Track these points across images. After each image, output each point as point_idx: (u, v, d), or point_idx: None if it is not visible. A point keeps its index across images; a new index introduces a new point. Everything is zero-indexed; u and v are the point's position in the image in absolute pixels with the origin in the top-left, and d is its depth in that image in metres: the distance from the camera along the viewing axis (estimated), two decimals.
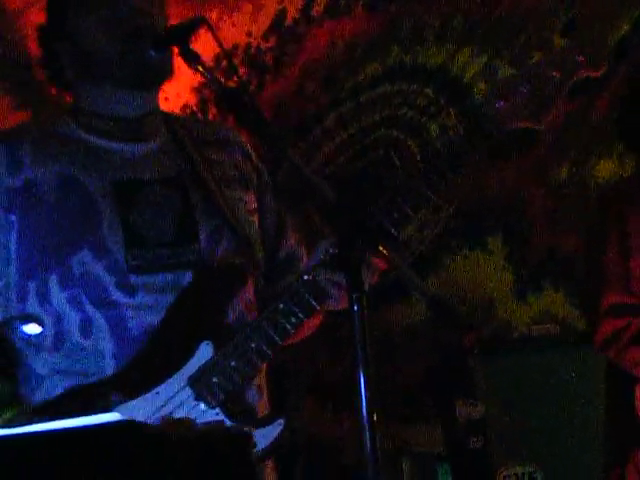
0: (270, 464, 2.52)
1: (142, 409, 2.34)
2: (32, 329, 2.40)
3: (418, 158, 4.73)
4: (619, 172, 4.52)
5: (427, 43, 4.73)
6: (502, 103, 2.37)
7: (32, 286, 2.43)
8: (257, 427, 2.40)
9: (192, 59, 2.18)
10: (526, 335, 4.12)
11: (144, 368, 2.40)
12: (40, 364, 2.45)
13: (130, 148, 2.50)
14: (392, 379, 4.48)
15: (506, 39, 4.66)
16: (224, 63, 3.77)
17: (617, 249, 3.18)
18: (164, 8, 2.49)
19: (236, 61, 4.67)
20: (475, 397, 3.94)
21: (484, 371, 3.98)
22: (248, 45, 4.77)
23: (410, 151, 4.75)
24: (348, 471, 4.23)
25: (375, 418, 1.86)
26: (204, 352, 2.39)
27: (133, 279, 2.42)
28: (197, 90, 4.72)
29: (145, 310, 2.41)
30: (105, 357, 2.41)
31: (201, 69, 2.16)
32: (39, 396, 2.44)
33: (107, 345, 2.42)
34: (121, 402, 2.35)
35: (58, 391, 2.42)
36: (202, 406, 2.37)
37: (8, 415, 2.42)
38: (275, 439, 2.39)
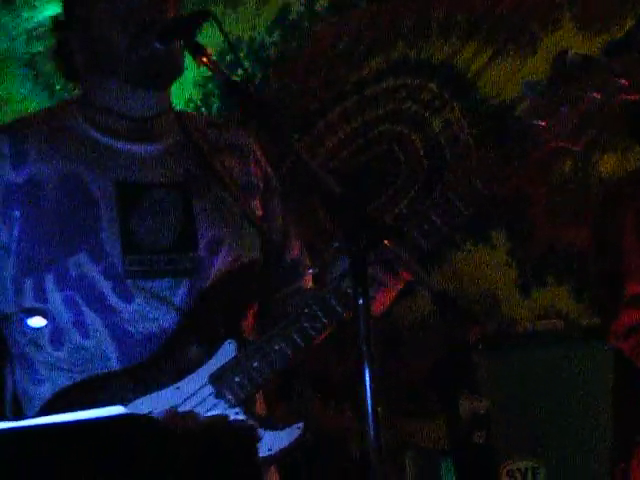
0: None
1: (161, 403, 2.34)
2: (37, 322, 2.40)
3: (422, 153, 4.73)
4: (623, 167, 4.51)
5: (431, 38, 4.73)
6: (542, 122, 2.36)
7: (29, 282, 2.42)
8: (275, 429, 2.39)
9: (197, 52, 2.17)
10: (530, 330, 4.11)
11: (165, 362, 2.39)
12: (43, 359, 2.45)
13: (137, 148, 2.48)
14: (396, 374, 4.48)
15: (510, 34, 4.65)
16: (229, 57, 3.77)
17: (635, 238, 3.16)
18: (177, 4, 2.46)
19: (240, 55, 4.66)
20: (479, 392, 3.94)
21: (488, 366, 3.97)
22: (252, 39, 4.77)
23: (414, 145, 4.75)
24: (352, 465, 4.22)
25: (379, 413, 1.85)
26: (227, 350, 2.39)
27: (130, 284, 2.40)
28: (201, 84, 4.72)
29: (143, 317, 2.41)
30: (111, 359, 2.41)
31: (206, 62, 2.15)
32: (44, 390, 2.44)
33: (110, 347, 2.41)
34: (140, 395, 2.35)
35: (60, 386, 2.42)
36: (222, 404, 2.37)
37: None
38: (291, 443, 2.39)
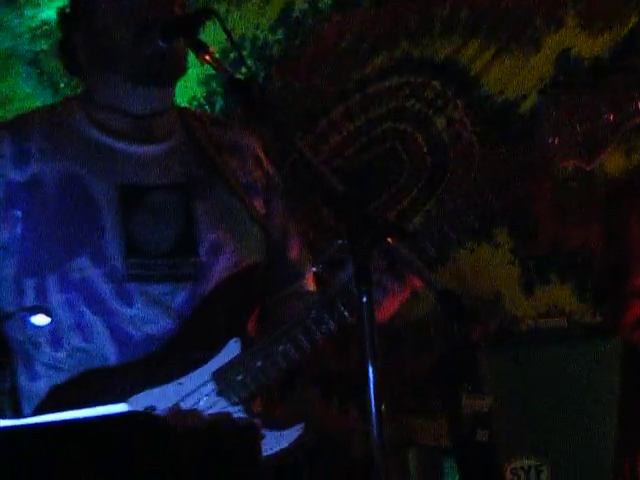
0: None
1: (164, 398, 2.34)
2: (40, 320, 2.40)
3: (425, 150, 4.73)
4: (626, 165, 4.51)
5: (434, 36, 4.72)
6: (555, 140, 2.36)
7: (30, 283, 2.42)
8: (276, 429, 2.40)
9: (200, 50, 2.17)
10: (533, 328, 4.10)
11: (169, 358, 2.39)
12: (42, 358, 2.45)
13: (139, 149, 2.48)
14: (399, 372, 4.48)
15: (513, 31, 4.64)
16: (232, 55, 3.77)
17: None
18: (183, 2, 2.46)
19: (244, 53, 4.66)
20: (482, 390, 3.93)
21: (491, 364, 3.97)
22: (256, 37, 4.76)
23: (417, 143, 4.74)
24: (356, 464, 4.22)
25: (383, 411, 1.86)
26: (231, 349, 2.39)
27: (131, 288, 2.41)
28: (204, 82, 4.71)
29: (143, 320, 2.40)
30: (110, 361, 2.41)
31: (209, 60, 2.15)
32: (39, 386, 2.44)
33: (110, 349, 2.41)
34: (138, 391, 2.35)
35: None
36: (223, 402, 2.37)
37: None
38: (291, 444, 2.39)
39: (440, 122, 4.73)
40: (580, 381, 3.90)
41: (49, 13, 4.25)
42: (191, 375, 2.37)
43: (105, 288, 2.40)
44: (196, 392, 2.36)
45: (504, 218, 4.68)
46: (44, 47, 4.48)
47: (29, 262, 2.41)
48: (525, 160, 2.39)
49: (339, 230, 2.19)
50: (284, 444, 2.38)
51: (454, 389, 4.00)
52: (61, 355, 2.42)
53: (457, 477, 4.11)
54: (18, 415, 2.43)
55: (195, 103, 4.71)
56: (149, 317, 2.40)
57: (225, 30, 2.17)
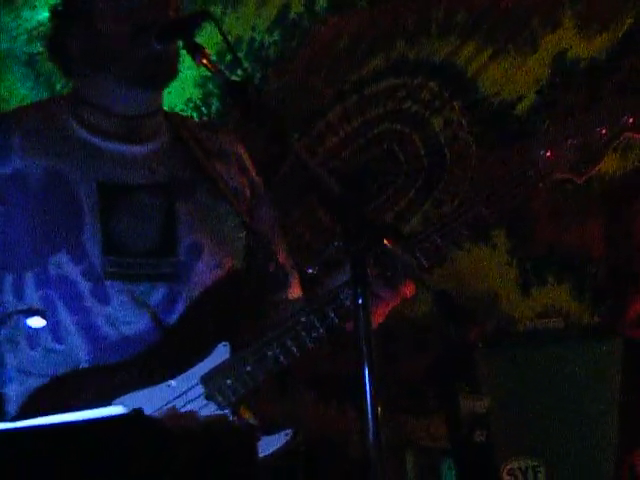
0: None
1: (152, 400, 2.34)
2: (36, 322, 2.40)
3: (422, 152, 4.73)
4: (622, 166, 4.51)
5: (431, 37, 4.72)
6: (548, 153, 2.38)
7: (9, 278, 2.42)
8: (264, 433, 2.40)
9: (196, 52, 2.17)
10: (530, 329, 4.11)
11: (158, 360, 2.39)
12: (15, 360, 2.44)
13: (124, 149, 2.48)
14: (396, 373, 4.48)
15: (510, 33, 4.65)
16: (228, 57, 3.76)
17: None
18: (178, 5, 2.46)
19: (240, 55, 4.66)
20: (479, 391, 3.93)
21: (488, 365, 3.97)
22: (252, 39, 4.76)
23: (414, 145, 4.75)
24: (354, 465, 4.22)
25: (379, 412, 1.86)
26: (221, 353, 2.39)
27: (108, 286, 2.41)
28: (201, 84, 4.72)
29: (118, 320, 2.40)
30: (81, 363, 2.40)
31: (205, 62, 2.15)
32: (11, 390, 2.43)
33: (82, 352, 2.41)
34: (130, 390, 2.35)
35: (29, 389, 2.41)
36: (212, 406, 2.37)
37: None
38: (279, 448, 2.39)
39: (437, 123, 4.73)
40: (577, 381, 3.90)
41: (45, 15, 4.25)
42: (179, 378, 2.37)
43: (82, 285, 2.40)
44: (185, 395, 2.36)
45: (501, 219, 4.68)
46: (40, 49, 4.47)
47: (8, 257, 2.41)
48: (518, 173, 2.41)
49: (336, 232, 2.19)
50: (272, 449, 2.38)
51: (451, 390, 4.00)
52: (36, 355, 2.41)
53: (455, 478, 4.11)
54: None
55: (191, 105, 4.72)
56: (125, 316, 2.40)
57: (221, 32, 2.17)
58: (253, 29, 4.77)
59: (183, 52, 2.29)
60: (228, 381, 2.37)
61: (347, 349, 2.35)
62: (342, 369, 4.46)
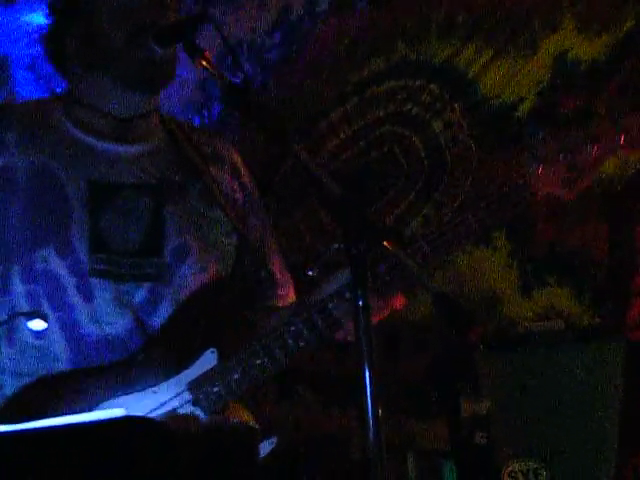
0: None
1: (137, 406, 2.34)
2: (37, 325, 2.40)
3: (422, 154, 4.73)
4: (623, 167, 4.51)
5: (432, 39, 4.73)
6: (540, 168, 2.39)
7: None
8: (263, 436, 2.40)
9: (197, 54, 2.17)
10: (531, 331, 4.11)
11: (144, 365, 2.39)
12: None
13: (115, 148, 2.49)
14: (397, 375, 4.48)
15: (511, 35, 4.65)
16: (229, 59, 3.76)
17: None
18: (178, 7, 2.46)
19: (240, 57, 4.66)
20: (480, 393, 3.94)
21: (489, 367, 3.97)
22: (252, 41, 4.77)
23: (414, 147, 4.75)
24: (354, 466, 4.23)
25: (380, 414, 1.86)
26: (208, 359, 2.39)
27: (93, 283, 2.41)
28: (202, 86, 4.72)
29: (100, 319, 2.40)
30: (60, 361, 2.40)
31: (206, 64, 2.15)
32: None
33: (62, 349, 2.40)
34: (116, 396, 2.35)
35: (6, 390, 2.41)
36: (199, 412, 2.37)
37: None
38: (264, 456, 2.39)
39: (437, 125, 4.73)
40: (578, 383, 3.90)
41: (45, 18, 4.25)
42: (166, 384, 2.37)
43: (67, 281, 2.40)
44: (171, 401, 2.36)
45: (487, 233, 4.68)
46: (41, 52, 4.48)
47: None
48: (510, 189, 2.42)
49: (336, 233, 2.19)
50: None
51: (452, 392, 4.00)
52: (12, 352, 2.41)
53: None
54: None
55: (192, 107, 4.72)
56: (108, 315, 2.40)
57: (221, 34, 2.17)
58: (253, 31, 4.77)
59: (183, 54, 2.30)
60: (215, 388, 2.37)
61: (348, 351, 2.36)
62: (343, 370, 4.46)
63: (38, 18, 4.36)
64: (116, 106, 2.49)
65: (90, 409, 2.26)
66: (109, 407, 2.29)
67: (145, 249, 2.45)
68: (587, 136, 2.38)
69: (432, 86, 4.74)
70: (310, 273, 2.39)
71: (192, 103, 4.72)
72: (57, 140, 2.48)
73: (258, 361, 2.39)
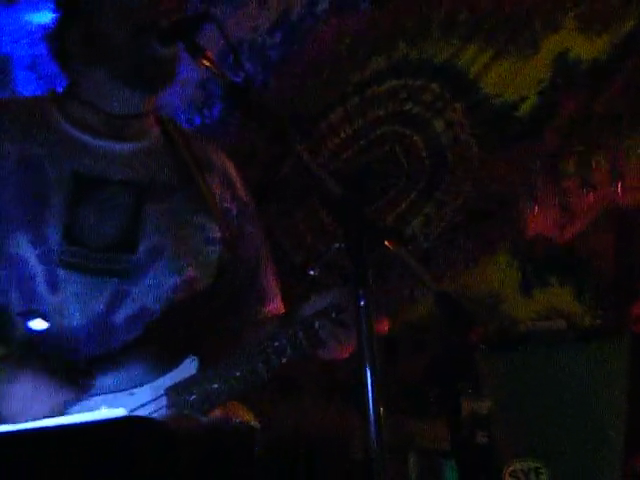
0: None
1: (113, 407, 2.33)
2: (38, 324, 2.40)
3: (423, 154, 4.73)
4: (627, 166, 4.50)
5: (433, 38, 4.72)
6: (535, 207, 2.40)
7: None
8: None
9: (198, 53, 2.17)
10: (532, 330, 4.10)
11: (124, 366, 2.38)
12: None
13: (107, 145, 2.49)
14: (397, 374, 4.48)
15: (512, 34, 4.65)
16: (230, 58, 3.76)
17: None
18: (181, 6, 2.46)
19: (241, 56, 4.66)
20: (481, 392, 3.93)
21: (490, 366, 3.97)
22: (253, 40, 4.76)
23: (415, 147, 4.74)
24: (355, 466, 4.22)
25: (381, 413, 1.86)
26: (188, 367, 2.39)
27: (61, 274, 2.40)
28: (202, 85, 4.72)
29: (63, 311, 2.40)
30: (19, 349, 2.40)
31: (207, 64, 2.15)
32: None
33: (21, 337, 2.40)
34: (92, 394, 2.34)
35: None
36: None
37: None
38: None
39: (438, 125, 4.73)
40: (579, 383, 3.90)
41: (48, 17, 4.25)
42: (145, 387, 2.36)
43: (36, 269, 2.40)
44: (148, 405, 2.35)
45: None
46: (42, 51, 4.48)
47: None
48: (503, 227, 2.43)
49: (337, 233, 2.19)
50: None
51: (453, 391, 4.00)
52: None
53: (456, 479, 4.11)
54: None
55: (193, 106, 4.72)
56: (71, 308, 2.40)
57: (223, 34, 2.17)
58: (254, 31, 4.77)
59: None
60: (193, 397, 2.37)
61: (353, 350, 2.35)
62: (347, 369, 4.46)
63: (39, 17, 4.36)
64: (111, 103, 2.49)
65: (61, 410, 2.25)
66: (83, 407, 2.27)
67: (118, 245, 2.44)
68: (584, 182, 2.39)
69: (433, 85, 4.73)
70: (311, 273, 2.38)
71: (193, 102, 4.72)
72: (48, 133, 2.49)
73: (238, 374, 2.38)
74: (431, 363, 4.38)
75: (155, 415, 2.35)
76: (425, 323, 4.48)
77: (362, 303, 1.88)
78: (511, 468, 3.88)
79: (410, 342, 4.58)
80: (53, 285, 2.40)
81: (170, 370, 2.38)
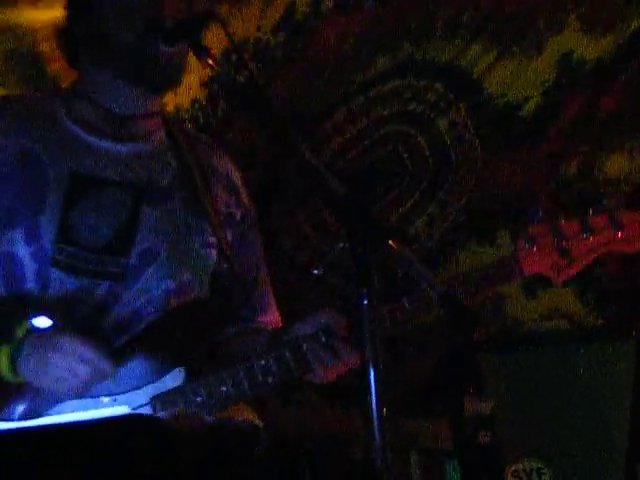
0: None
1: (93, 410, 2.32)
2: (42, 322, 2.40)
3: (427, 153, 4.73)
4: (629, 167, 4.50)
5: (437, 38, 4.72)
6: (533, 248, 2.41)
7: None
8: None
9: (202, 53, 2.17)
10: (535, 331, 4.11)
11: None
12: None
13: (109, 145, 2.48)
14: (401, 374, 4.48)
15: (516, 34, 4.64)
16: (234, 58, 3.76)
17: None
18: (184, 6, 2.45)
19: (246, 56, 4.66)
20: (484, 393, 3.93)
21: (493, 367, 3.97)
22: (257, 40, 4.76)
23: (419, 146, 4.74)
24: (357, 466, 4.22)
25: (384, 413, 1.85)
26: (175, 377, 2.38)
27: (52, 273, 2.39)
28: (207, 85, 4.72)
29: (51, 310, 2.39)
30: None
31: (211, 63, 2.15)
32: None
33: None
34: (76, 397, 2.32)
35: None
36: None
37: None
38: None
39: (442, 124, 4.73)
40: (582, 383, 3.90)
41: (50, 15, 4.25)
42: (129, 394, 2.35)
43: (27, 267, 2.39)
44: (133, 411, 2.34)
45: (506, 220, 4.68)
46: (46, 49, 4.48)
47: None
48: (500, 264, 2.43)
49: (341, 233, 2.18)
50: None
51: (456, 391, 4.00)
52: None
53: (459, 479, 4.11)
54: None
55: (197, 105, 4.72)
56: (60, 308, 2.39)
57: (227, 33, 2.16)
58: (258, 29, 4.77)
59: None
60: (176, 407, 2.36)
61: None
62: (348, 370, 4.46)
63: (43, 15, 4.35)
64: (116, 102, 2.49)
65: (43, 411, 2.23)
66: (62, 411, 2.25)
67: (112, 247, 2.43)
68: (586, 226, 2.40)
69: (437, 85, 4.73)
70: (315, 272, 2.38)
71: (196, 101, 4.72)
72: (50, 130, 2.48)
73: (224, 388, 2.37)
74: (437, 364, 4.38)
75: None
76: (428, 324, 4.48)
77: (365, 302, 1.88)
78: (513, 468, 3.88)
79: (413, 343, 4.58)
80: (43, 284, 2.40)
81: (158, 379, 2.37)
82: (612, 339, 3.92)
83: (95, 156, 2.46)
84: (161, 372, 2.37)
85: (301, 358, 2.38)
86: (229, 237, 2.59)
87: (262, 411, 2.53)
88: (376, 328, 1.87)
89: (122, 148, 2.49)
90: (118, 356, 2.35)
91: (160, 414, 2.33)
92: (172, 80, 2.46)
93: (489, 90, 4.67)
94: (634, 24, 4.50)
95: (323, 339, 2.37)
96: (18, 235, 2.39)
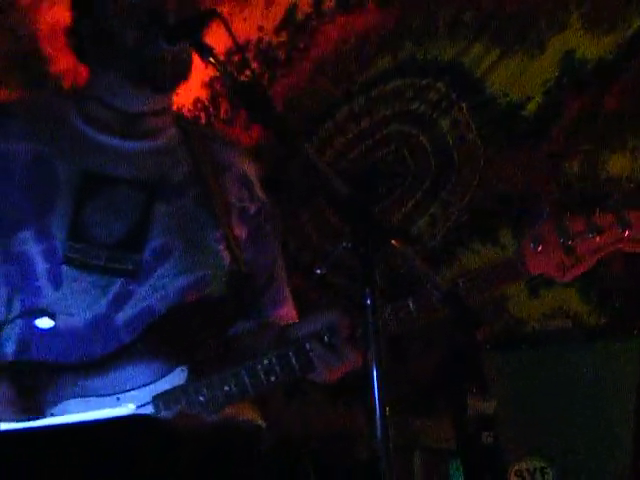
0: None
1: (99, 410, 2.32)
2: (45, 323, 2.40)
3: (429, 153, 4.73)
4: (632, 166, 4.51)
5: (439, 38, 4.72)
6: (539, 247, 2.39)
7: None
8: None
9: (204, 52, 2.16)
10: (538, 330, 4.10)
11: (115, 370, 2.37)
12: None
13: (119, 143, 2.48)
14: (404, 374, 4.48)
15: (518, 33, 4.64)
16: (236, 57, 3.76)
17: None
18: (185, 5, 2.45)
19: (248, 56, 4.66)
20: (487, 392, 3.93)
21: (496, 366, 3.97)
22: (260, 40, 4.77)
23: (422, 146, 4.74)
24: (360, 465, 4.22)
25: (387, 412, 1.85)
26: (177, 377, 2.37)
27: (64, 270, 2.40)
28: (209, 84, 4.72)
29: (63, 308, 2.39)
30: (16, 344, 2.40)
31: (213, 62, 2.15)
32: None
33: (17, 333, 2.40)
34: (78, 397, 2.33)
35: None
36: None
37: None
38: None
39: (445, 124, 4.73)
40: (586, 382, 3.90)
41: (52, 16, 4.25)
42: (132, 393, 2.35)
43: (40, 266, 2.39)
44: (135, 410, 2.34)
45: (509, 220, 4.68)
46: (47, 50, 4.48)
47: None
48: (506, 265, 2.43)
49: (344, 232, 2.18)
50: None
51: (459, 391, 4.00)
52: None
53: (462, 479, 4.11)
54: None
55: (199, 105, 4.72)
56: (72, 306, 2.39)
57: (229, 32, 2.16)
58: (261, 29, 4.77)
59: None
60: (178, 407, 2.35)
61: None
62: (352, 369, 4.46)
63: (44, 16, 4.35)
64: (124, 101, 2.49)
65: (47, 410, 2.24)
66: (66, 410, 2.26)
67: (125, 244, 2.42)
68: (591, 226, 2.39)
69: (439, 85, 4.73)
70: (318, 272, 2.38)
71: (199, 101, 4.73)
72: (60, 130, 2.48)
73: (226, 388, 2.37)
74: (440, 363, 4.38)
75: None
76: (434, 323, 4.48)
77: (368, 301, 1.88)
78: (516, 467, 3.88)
79: (416, 342, 4.59)
80: (55, 282, 2.40)
81: (161, 377, 2.36)
82: (615, 338, 3.92)
83: (106, 154, 2.47)
84: (164, 371, 2.37)
85: (304, 358, 2.38)
86: (243, 233, 2.58)
87: (266, 410, 2.53)
88: (380, 327, 1.86)
89: (133, 145, 2.49)
90: (126, 354, 2.35)
91: (163, 413, 2.33)
92: (180, 77, 2.46)
93: (491, 89, 4.67)
94: (635, 23, 4.50)
95: (326, 339, 2.36)
96: (29, 235, 2.40)
